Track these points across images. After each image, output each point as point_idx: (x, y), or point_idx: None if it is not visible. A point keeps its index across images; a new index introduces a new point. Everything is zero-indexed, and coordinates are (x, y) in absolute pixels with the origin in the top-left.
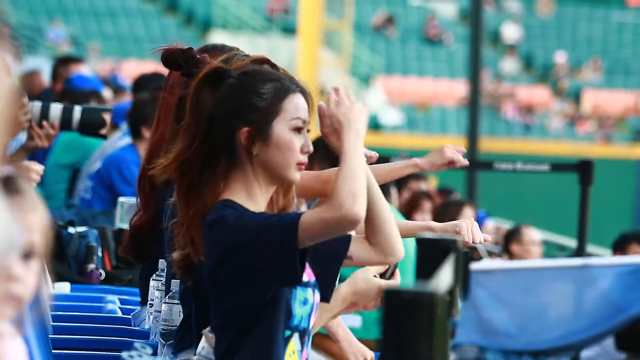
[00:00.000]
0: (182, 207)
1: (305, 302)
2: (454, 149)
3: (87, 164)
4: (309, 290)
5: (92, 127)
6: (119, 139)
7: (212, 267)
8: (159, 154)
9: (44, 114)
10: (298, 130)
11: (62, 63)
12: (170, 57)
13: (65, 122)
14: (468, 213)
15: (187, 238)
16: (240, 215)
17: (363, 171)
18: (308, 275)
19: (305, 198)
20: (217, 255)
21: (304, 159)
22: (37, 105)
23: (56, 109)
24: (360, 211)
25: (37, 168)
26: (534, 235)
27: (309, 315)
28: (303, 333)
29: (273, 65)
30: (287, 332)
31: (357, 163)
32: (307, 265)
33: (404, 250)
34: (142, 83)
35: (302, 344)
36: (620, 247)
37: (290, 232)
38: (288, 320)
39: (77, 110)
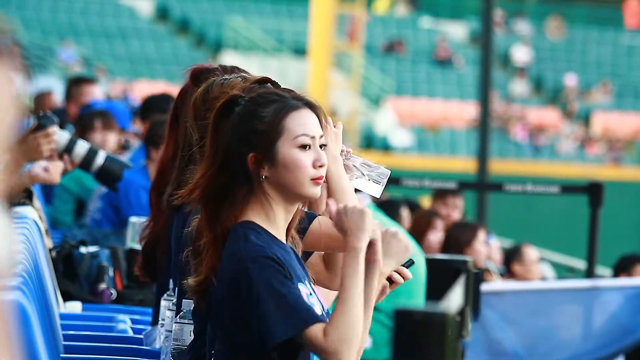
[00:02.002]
0: (206, 232)
1: None
2: None
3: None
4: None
5: (109, 177)
6: (133, 160)
7: (219, 295)
8: (165, 174)
9: (69, 148)
10: (306, 146)
11: (75, 84)
12: (195, 75)
13: (86, 163)
14: (481, 237)
15: (208, 264)
16: (259, 261)
17: (360, 301)
18: (324, 307)
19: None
20: (227, 286)
21: (319, 173)
22: (65, 136)
23: (81, 147)
24: (350, 356)
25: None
26: (534, 254)
27: None
28: None
29: (275, 85)
30: None
31: (356, 295)
32: (318, 295)
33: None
34: (152, 104)
35: None
36: (623, 269)
37: (288, 329)
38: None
39: (101, 156)
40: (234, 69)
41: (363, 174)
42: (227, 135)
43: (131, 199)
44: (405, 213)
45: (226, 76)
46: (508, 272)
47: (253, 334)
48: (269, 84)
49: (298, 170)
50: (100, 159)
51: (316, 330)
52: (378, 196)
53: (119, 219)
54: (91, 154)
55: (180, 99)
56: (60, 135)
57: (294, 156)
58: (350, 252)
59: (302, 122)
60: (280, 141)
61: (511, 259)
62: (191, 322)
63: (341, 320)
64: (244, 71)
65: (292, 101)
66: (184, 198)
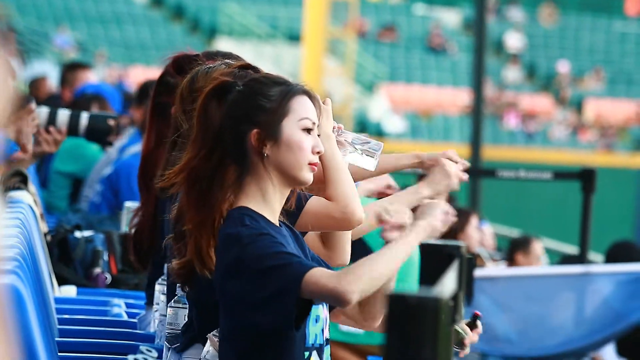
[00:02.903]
0: (190, 217)
1: (317, 319)
2: (458, 159)
3: (95, 170)
4: (320, 306)
5: (98, 133)
6: (129, 144)
7: (220, 279)
8: (150, 161)
9: (52, 119)
10: (308, 130)
11: (70, 69)
12: (177, 63)
13: (72, 128)
14: (474, 222)
15: (193, 248)
16: (255, 238)
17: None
18: None
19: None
20: (226, 268)
21: (316, 159)
22: (44, 110)
23: (63, 114)
24: (357, 296)
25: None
26: (539, 248)
27: (322, 331)
28: (320, 349)
29: (256, 71)
30: (306, 353)
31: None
32: None
33: (360, 207)
34: (148, 89)
35: (322, 359)
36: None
37: (293, 284)
38: (303, 342)
39: (85, 117)
40: (217, 55)
41: (356, 149)
42: (222, 114)
43: (133, 184)
44: None
45: (210, 65)
46: (510, 259)
47: (272, 300)
48: (250, 70)
49: (300, 151)
50: (84, 120)
51: (314, 274)
52: (373, 169)
53: (118, 203)
54: (74, 118)
55: (160, 86)
56: (39, 111)
57: (298, 137)
58: (416, 230)
59: (306, 107)
60: (286, 121)
61: (516, 248)
62: (185, 306)
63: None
64: (230, 55)
65: (295, 86)
66: (171, 180)
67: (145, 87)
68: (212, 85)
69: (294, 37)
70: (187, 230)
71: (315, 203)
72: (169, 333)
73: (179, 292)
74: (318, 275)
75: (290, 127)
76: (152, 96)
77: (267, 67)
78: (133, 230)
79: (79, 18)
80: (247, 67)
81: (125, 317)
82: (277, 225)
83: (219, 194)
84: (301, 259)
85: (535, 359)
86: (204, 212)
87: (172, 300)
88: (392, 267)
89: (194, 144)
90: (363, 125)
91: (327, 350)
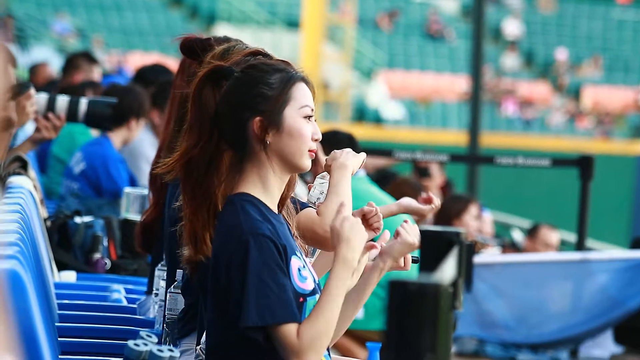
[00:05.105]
0: (187, 203)
1: None
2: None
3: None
4: (318, 295)
5: (98, 119)
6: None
7: (215, 265)
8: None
9: (51, 105)
10: (308, 117)
11: (74, 59)
12: (188, 46)
13: (72, 114)
14: (473, 210)
15: (188, 234)
16: (258, 240)
17: (339, 309)
18: (315, 278)
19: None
20: (224, 259)
21: (314, 145)
22: (43, 97)
23: (62, 101)
24: (316, 355)
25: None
26: (549, 236)
27: None
28: None
29: (267, 57)
30: None
31: (337, 302)
32: (311, 268)
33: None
34: (145, 74)
35: (327, 348)
36: None
37: (258, 318)
38: None
39: (84, 103)
40: (227, 41)
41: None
42: (219, 101)
43: (112, 173)
44: None
45: (233, 44)
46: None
47: (230, 308)
48: (260, 56)
49: (301, 139)
50: (83, 106)
51: (290, 328)
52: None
53: (103, 194)
54: (73, 104)
55: (181, 73)
56: (38, 98)
57: (299, 125)
58: (340, 262)
59: (305, 94)
60: (287, 109)
61: (528, 234)
62: None
63: (317, 325)
64: (240, 42)
65: (294, 73)
66: (168, 167)
67: (141, 72)
68: (206, 69)
69: (293, 24)
70: (184, 216)
71: (304, 214)
72: (168, 318)
73: (178, 277)
74: (291, 330)
75: (292, 115)
76: (174, 84)
77: None
78: (142, 218)
79: (78, 4)
80: (257, 53)
81: (124, 303)
82: (276, 212)
83: (215, 180)
84: (291, 306)
85: (532, 345)
86: (200, 198)
87: (172, 286)
88: (336, 320)
89: (191, 131)
90: (361, 112)
91: None
